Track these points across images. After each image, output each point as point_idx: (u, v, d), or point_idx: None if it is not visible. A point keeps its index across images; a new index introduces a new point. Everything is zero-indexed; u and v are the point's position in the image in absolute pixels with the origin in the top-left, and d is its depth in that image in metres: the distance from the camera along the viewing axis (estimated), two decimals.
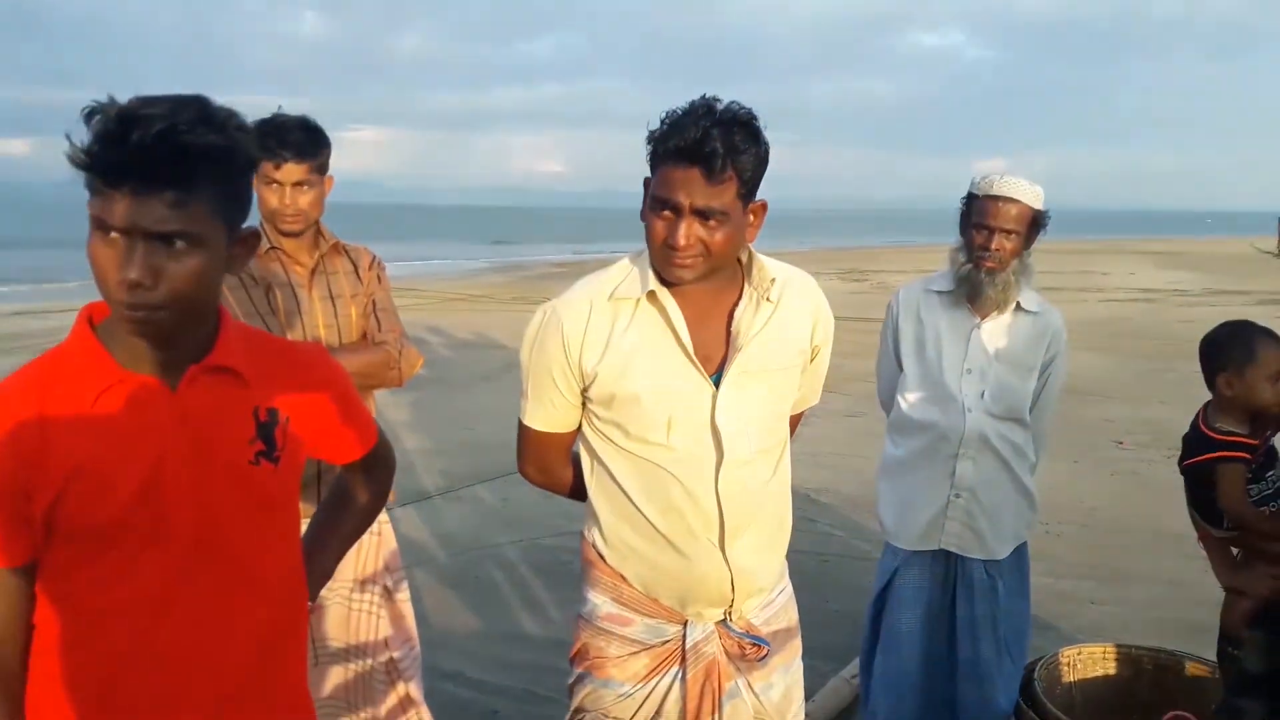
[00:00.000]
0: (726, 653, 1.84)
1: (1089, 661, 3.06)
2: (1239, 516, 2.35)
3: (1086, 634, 3.46)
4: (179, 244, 1.23)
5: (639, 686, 1.82)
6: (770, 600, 1.91)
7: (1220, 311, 2.41)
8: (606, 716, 1.84)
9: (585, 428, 1.83)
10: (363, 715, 2.75)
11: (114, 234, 1.21)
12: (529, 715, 3.44)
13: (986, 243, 2.58)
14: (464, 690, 3.63)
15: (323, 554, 1.64)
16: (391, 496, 2.77)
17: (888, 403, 2.87)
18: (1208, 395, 2.48)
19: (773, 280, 1.79)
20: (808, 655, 2.08)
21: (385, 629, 2.71)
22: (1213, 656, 2.67)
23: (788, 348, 1.82)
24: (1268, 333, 2.38)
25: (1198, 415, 2.48)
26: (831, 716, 3.36)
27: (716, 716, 1.82)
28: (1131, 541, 5.13)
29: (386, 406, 7.22)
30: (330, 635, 2.68)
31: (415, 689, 2.76)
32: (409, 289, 17.19)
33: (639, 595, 1.82)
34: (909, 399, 2.74)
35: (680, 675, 1.82)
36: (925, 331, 2.73)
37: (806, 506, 5.44)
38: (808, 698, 2.77)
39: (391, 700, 2.74)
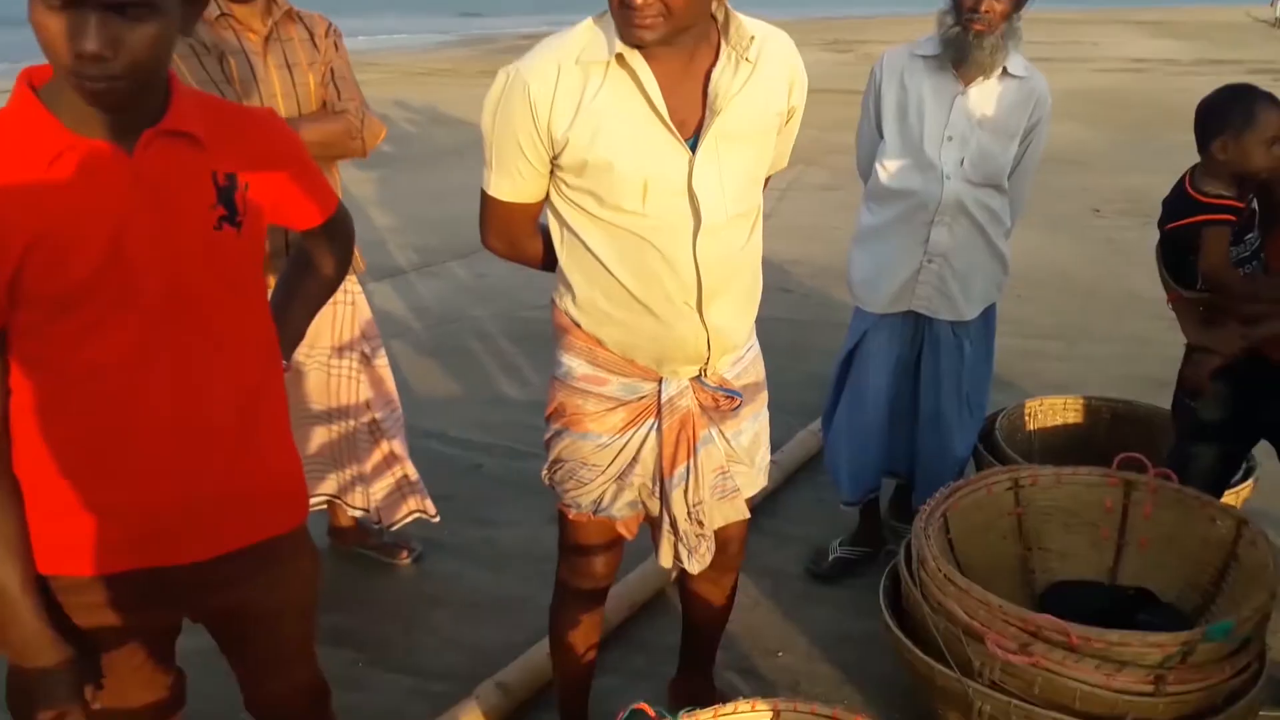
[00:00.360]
0: (700, 405, 1.88)
1: (1050, 412, 3.18)
2: (1219, 279, 2.37)
3: (1050, 389, 3.57)
4: (133, 11, 1.17)
5: (616, 438, 1.87)
6: (740, 357, 1.94)
7: (1211, 81, 2.32)
8: (585, 464, 1.89)
9: (554, 197, 1.78)
10: (349, 472, 2.85)
11: (60, 4, 1.15)
12: (511, 469, 3.58)
13: (975, 4, 2.48)
14: (448, 448, 3.76)
15: (291, 317, 1.65)
16: (362, 265, 2.76)
17: (866, 171, 2.82)
18: (1191, 164, 2.45)
19: (751, 39, 1.69)
20: (779, 411, 2.13)
21: (365, 392, 2.77)
22: (1169, 407, 2.77)
23: (765, 110, 1.75)
24: (1268, 97, 2.32)
25: (1183, 179, 2.45)
26: (799, 464, 3.52)
27: (691, 461, 1.88)
28: (1101, 304, 5.23)
29: (353, 184, 7.07)
30: (311, 399, 2.73)
31: (399, 446, 2.84)
32: (370, 64, 16.43)
33: (614, 358, 1.83)
34: (887, 167, 2.69)
35: (656, 426, 1.87)
36: (908, 97, 2.66)
37: (781, 276, 5.48)
38: (777, 449, 2.88)
39: (376, 457, 2.83)
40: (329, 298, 1.74)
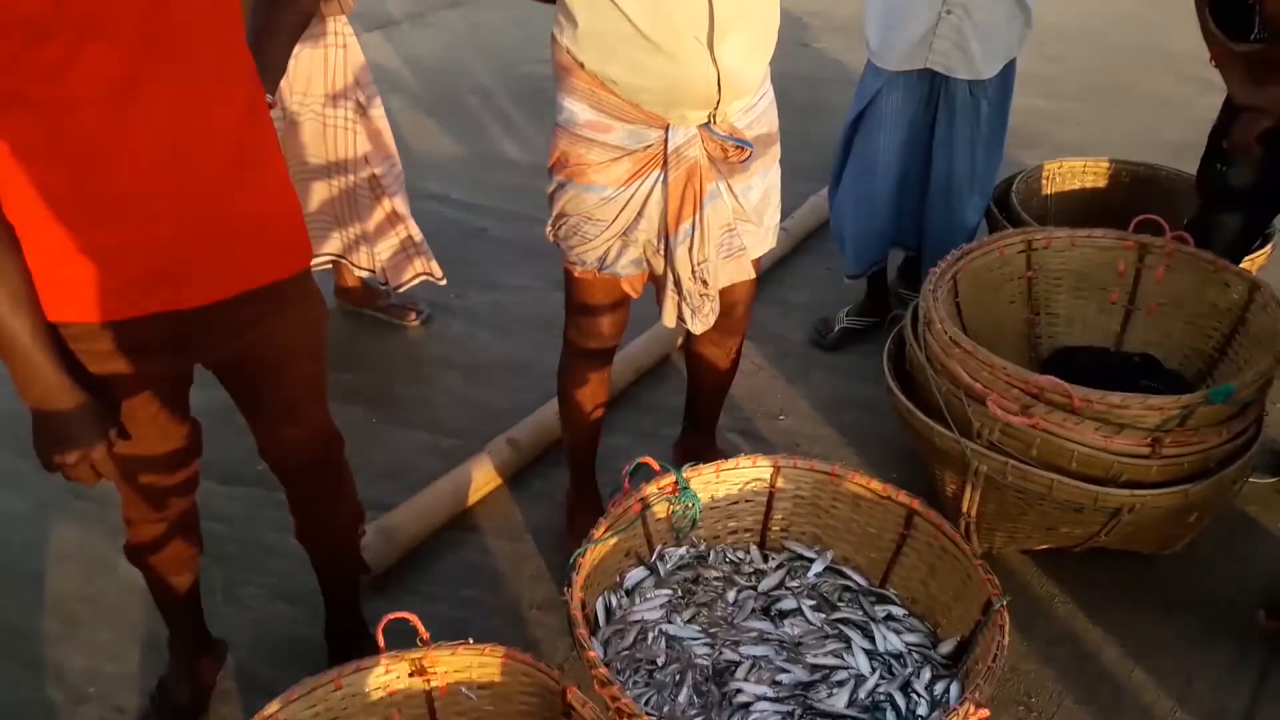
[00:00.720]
0: (709, 156, 1.80)
1: (1068, 175, 3.08)
2: None
3: (1070, 152, 3.44)
4: None
5: (620, 190, 1.81)
6: (753, 105, 1.84)
7: None
8: (589, 219, 1.84)
9: None
10: (352, 230, 2.81)
11: None
12: (516, 233, 3.54)
13: None
14: (450, 210, 3.70)
15: (269, 46, 1.55)
16: (350, 2, 2.59)
17: None
18: None
19: None
20: (790, 176, 2.05)
21: (363, 145, 2.68)
22: (1192, 173, 2.68)
23: None
24: None
25: None
26: (809, 231, 3.47)
27: (697, 217, 1.82)
28: (1131, 63, 4.98)
29: None
30: (308, 151, 2.65)
31: (401, 204, 2.79)
32: None
33: (619, 102, 1.74)
34: None
35: (661, 179, 1.80)
36: None
37: (798, 29, 5.20)
38: (786, 215, 2.81)
39: (378, 216, 2.78)
40: (305, 25, 1.64)
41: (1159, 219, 2.39)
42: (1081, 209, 3.02)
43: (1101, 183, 3.08)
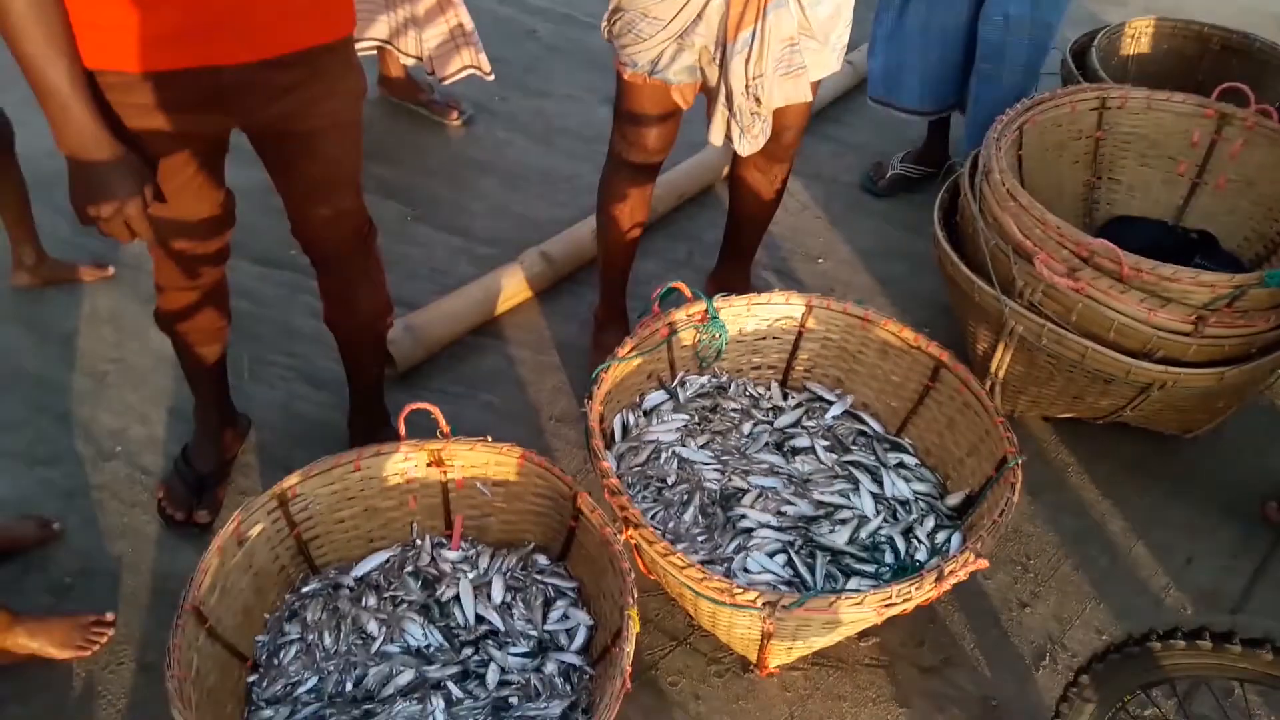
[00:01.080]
0: None
1: (1155, 35, 2.89)
2: None
3: (1160, 12, 3.22)
4: None
5: None
6: None
7: None
8: (646, 16, 1.75)
9: None
10: (400, 13, 2.71)
11: None
12: (568, 39, 3.39)
13: None
14: (501, 6, 3.54)
15: None
16: None
17: None
18: None
19: None
20: (861, 5, 1.90)
21: None
22: None
23: None
24: None
25: None
26: None
27: (759, 25, 1.72)
28: None
29: None
30: None
31: None
32: None
33: None
34: None
35: None
36: None
37: None
38: (852, 48, 2.66)
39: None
40: None
41: (1245, 88, 2.26)
42: (1163, 74, 2.85)
43: (1190, 48, 2.88)
